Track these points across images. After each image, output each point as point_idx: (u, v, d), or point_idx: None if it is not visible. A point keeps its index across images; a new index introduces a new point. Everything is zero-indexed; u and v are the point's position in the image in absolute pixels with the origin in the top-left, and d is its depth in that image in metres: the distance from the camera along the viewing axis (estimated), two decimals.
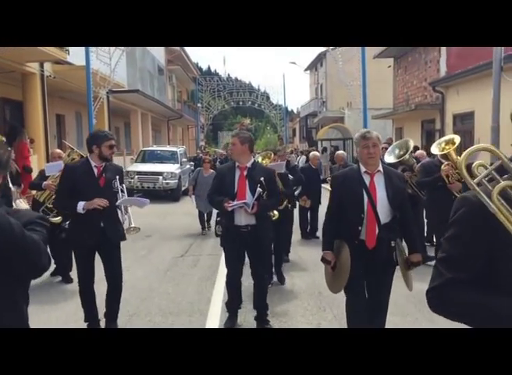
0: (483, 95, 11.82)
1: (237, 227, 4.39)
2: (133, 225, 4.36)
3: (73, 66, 14.13)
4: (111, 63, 15.45)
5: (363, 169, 3.52)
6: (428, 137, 17.20)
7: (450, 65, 15.91)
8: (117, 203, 4.21)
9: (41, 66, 13.13)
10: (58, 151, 6.80)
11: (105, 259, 4.32)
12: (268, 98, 39.18)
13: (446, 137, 5.53)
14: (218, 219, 4.65)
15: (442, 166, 5.63)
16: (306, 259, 7.46)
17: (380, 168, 3.54)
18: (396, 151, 6.72)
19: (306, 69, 40.58)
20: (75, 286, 4.45)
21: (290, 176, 6.48)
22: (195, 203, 9.97)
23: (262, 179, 4.32)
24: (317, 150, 23.23)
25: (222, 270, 6.84)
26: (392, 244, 3.52)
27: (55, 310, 5.15)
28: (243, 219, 4.37)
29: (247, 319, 4.82)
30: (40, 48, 10.43)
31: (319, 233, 9.01)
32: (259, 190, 4.26)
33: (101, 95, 15.22)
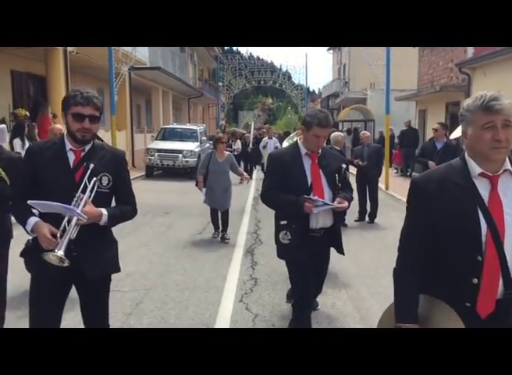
0: (511, 77, 11.50)
1: (309, 231, 3.43)
2: (60, 253, 2.31)
3: None
4: None
5: (476, 168, 1.83)
6: (453, 120, 16.83)
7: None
8: (30, 203, 2.42)
9: None
10: (59, 126, 5.54)
11: (82, 305, 2.68)
12: (289, 77, 38.85)
13: None
14: (285, 223, 3.44)
15: None
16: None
17: (508, 165, 1.84)
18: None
19: (329, 49, 39.95)
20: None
21: None
22: (204, 198, 7.40)
23: (344, 166, 3.51)
24: (339, 131, 22.95)
25: (239, 248, 6.91)
26: None
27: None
28: (320, 221, 3.42)
29: None
30: None
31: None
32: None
33: (122, 72, 15.27)
